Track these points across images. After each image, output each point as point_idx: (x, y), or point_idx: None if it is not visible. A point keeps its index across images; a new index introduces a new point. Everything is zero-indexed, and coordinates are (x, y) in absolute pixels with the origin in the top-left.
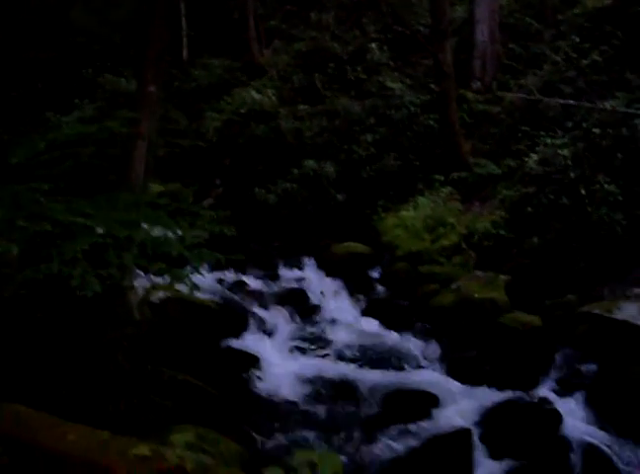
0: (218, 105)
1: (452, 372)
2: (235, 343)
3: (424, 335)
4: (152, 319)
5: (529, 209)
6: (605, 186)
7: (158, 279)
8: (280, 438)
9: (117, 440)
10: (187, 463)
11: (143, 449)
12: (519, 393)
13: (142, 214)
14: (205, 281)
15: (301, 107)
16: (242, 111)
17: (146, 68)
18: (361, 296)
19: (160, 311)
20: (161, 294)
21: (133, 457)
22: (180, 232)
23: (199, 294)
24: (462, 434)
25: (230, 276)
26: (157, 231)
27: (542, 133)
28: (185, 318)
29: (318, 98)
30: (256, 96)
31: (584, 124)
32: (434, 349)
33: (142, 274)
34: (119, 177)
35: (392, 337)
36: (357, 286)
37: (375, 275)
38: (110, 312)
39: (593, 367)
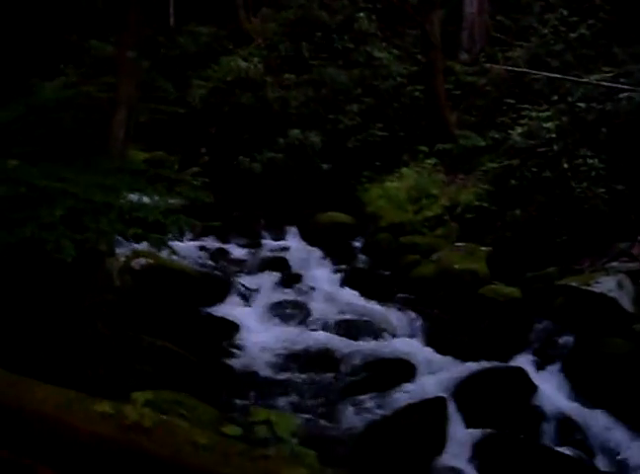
0: (205, 72)
1: (431, 342)
2: (216, 310)
3: (404, 305)
4: (133, 286)
5: (513, 182)
6: (588, 160)
7: (140, 247)
8: (259, 404)
9: (81, 398)
10: (145, 420)
11: (105, 407)
12: (496, 363)
13: (120, 180)
14: (188, 249)
15: (288, 76)
16: (228, 79)
17: (125, 33)
18: (343, 266)
19: (141, 278)
20: (142, 261)
21: (95, 414)
22: (157, 198)
23: (180, 261)
24: (437, 403)
25: (213, 243)
26: (134, 197)
27: (528, 106)
28: (166, 285)
29: (305, 67)
30: (242, 64)
31: (569, 98)
32: (413, 319)
33: (124, 240)
34: (97, 142)
35: (372, 306)
36: (339, 256)
37: (358, 245)
38: (89, 278)
39: (569, 339)
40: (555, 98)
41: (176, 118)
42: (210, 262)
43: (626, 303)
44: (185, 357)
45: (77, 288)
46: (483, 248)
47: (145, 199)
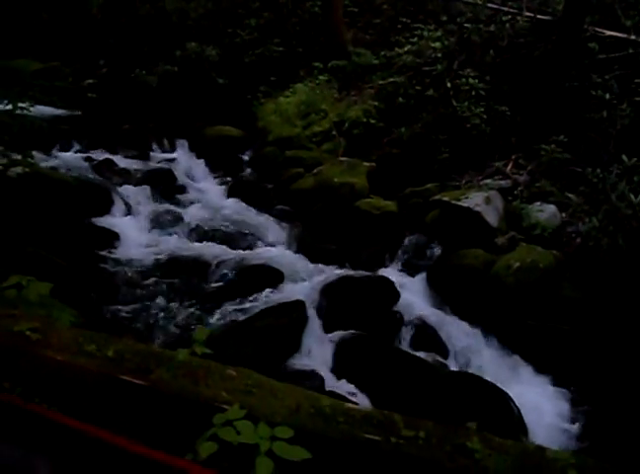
0: None
1: (303, 251)
2: (97, 220)
3: (282, 216)
4: (8, 194)
5: (400, 100)
6: (470, 80)
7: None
8: (128, 307)
9: None
10: None
11: None
12: (363, 272)
13: None
14: (74, 160)
15: None
16: None
17: None
18: (229, 178)
19: (17, 187)
20: (18, 170)
21: None
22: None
23: (62, 172)
24: (294, 306)
25: (100, 155)
26: None
27: (421, 26)
28: (44, 194)
29: None
30: None
31: (458, 19)
32: (288, 229)
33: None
34: None
35: (252, 217)
36: (226, 168)
37: (246, 158)
38: None
39: (437, 251)
40: (445, 18)
41: (74, 28)
42: (96, 173)
43: (491, 218)
44: (55, 263)
45: None
46: (366, 163)
47: None
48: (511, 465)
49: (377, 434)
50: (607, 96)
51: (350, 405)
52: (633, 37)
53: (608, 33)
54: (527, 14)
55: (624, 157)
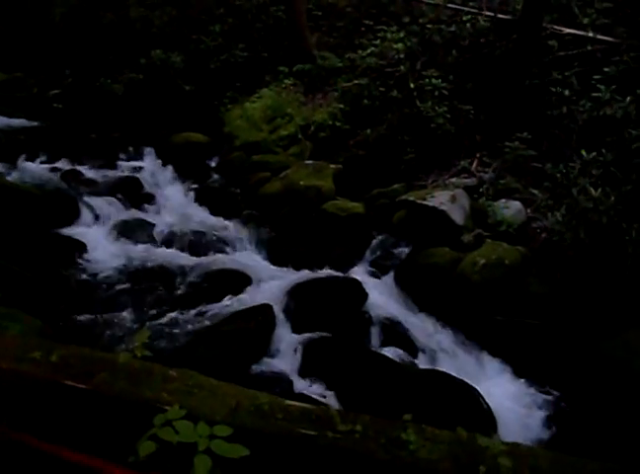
0: None
1: (272, 255)
2: (64, 230)
3: (250, 221)
4: None
5: (366, 102)
6: (433, 80)
7: None
8: (95, 316)
9: None
10: None
11: None
12: (331, 274)
13: None
14: (39, 171)
15: None
16: None
17: None
18: (196, 185)
19: None
20: None
21: None
22: None
23: (27, 183)
24: (262, 310)
25: (66, 165)
26: None
27: (384, 28)
28: (9, 206)
29: None
30: None
31: (420, 20)
32: (257, 234)
33: None
34: None
35: (219, 223)
36: (192, 175)
37: (213, 164)
38: None
39: (404, 251)
40: (407, 20)
41: (38, 38)
42: (62, 183)
43: (457, 216)
44: (19, 273)
45: None
46: (332, 165)
47: None
48: (444, 454)
49: (314, 429)
50: (567, 92)
51: (289, 402)
52: (591, 34)
53: (567, 30)
54: (488, 13)
55: (583, 152)
